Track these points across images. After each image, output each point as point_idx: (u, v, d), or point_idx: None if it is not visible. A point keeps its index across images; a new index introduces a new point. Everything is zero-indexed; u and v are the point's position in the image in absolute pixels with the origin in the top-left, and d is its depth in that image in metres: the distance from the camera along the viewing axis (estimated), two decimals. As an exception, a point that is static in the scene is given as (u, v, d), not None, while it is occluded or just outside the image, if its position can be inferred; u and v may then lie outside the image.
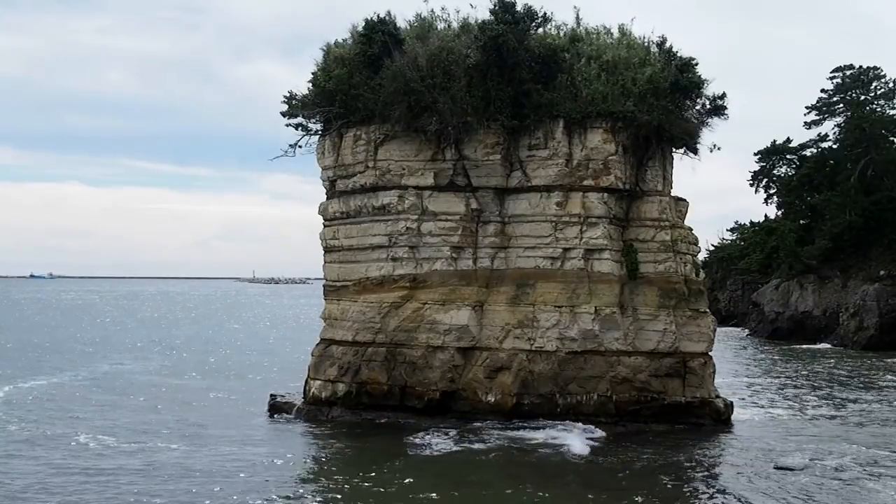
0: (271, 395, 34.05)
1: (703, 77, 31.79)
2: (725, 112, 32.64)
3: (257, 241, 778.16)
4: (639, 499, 21.03)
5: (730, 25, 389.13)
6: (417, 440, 27.22)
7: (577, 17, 32.73)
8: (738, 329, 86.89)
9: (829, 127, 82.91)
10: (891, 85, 79.59)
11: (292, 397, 33.54)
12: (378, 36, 30.96)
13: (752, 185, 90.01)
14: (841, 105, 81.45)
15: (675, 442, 27.78)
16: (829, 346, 68.83)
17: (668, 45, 31.94)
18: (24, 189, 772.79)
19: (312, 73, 32.55)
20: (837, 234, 75.39)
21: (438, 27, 32.12)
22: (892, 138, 79.05)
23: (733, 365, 52.41)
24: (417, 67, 30.07)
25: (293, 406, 32.41)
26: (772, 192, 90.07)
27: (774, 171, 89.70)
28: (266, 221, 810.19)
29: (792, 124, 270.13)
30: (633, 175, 31.35)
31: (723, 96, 32.50)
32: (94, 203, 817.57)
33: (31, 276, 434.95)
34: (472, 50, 30.34)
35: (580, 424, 29.01)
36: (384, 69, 30.51)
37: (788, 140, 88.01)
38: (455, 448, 26.46)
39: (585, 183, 30.44)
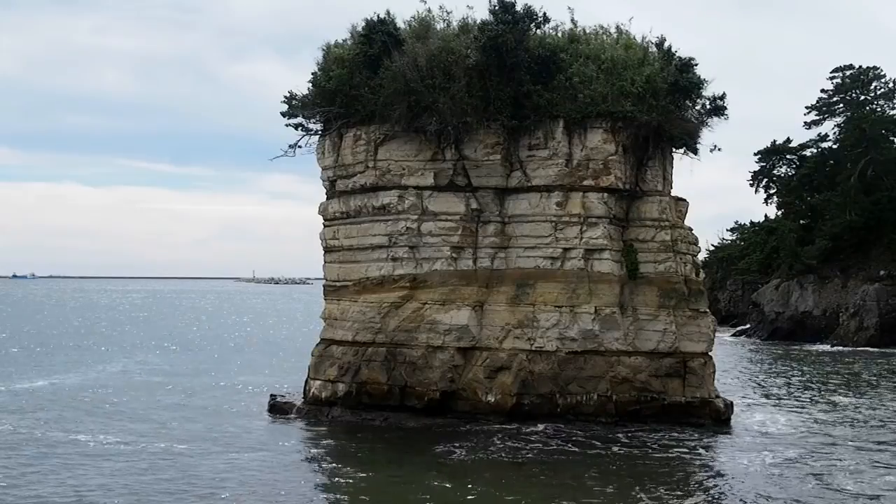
0: (271, 396, 34.08)
1: (702, 77, 31.88)
2: (725, 112, 32.70)
3: (257, 241, 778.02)
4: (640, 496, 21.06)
5: (730, 25, 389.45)
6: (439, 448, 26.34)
7: (572, 19, 32.83)
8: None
9: (829, 127, 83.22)
10: (891, 85, 79.77)
11: (292, 397, 33.55)
12: (378, 36, 30.98)
13: (752, 185, 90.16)
14: (841, 105, 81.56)
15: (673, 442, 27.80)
16: (828, 346, 68.78)
17: (667, 45, 32.02)
18: (21, 189, 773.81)
19: (312, 74, 32.60)
20: (837, 234, 75.46)
21: (438, 27, 32.13)
22: (892, 138, 79.16)
23: (733, 365, 52.40)
24: (417, 67, 30.07)
25: (293, 406, 32.41)
26: (772, 192, 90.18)
27: (774, 171, 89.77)
28: (265, 221, 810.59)
29: (792, 124, 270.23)
30: (633, 175, 31.37)
31: (723, 96, 32.58)
32: (90, 203, 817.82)
33: (14, 277, 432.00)
34: (471, 50, 30.35)
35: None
36: (384, 69, 30.53)
37: (788, 140, 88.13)
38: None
39: (585, 183, 30.47)
